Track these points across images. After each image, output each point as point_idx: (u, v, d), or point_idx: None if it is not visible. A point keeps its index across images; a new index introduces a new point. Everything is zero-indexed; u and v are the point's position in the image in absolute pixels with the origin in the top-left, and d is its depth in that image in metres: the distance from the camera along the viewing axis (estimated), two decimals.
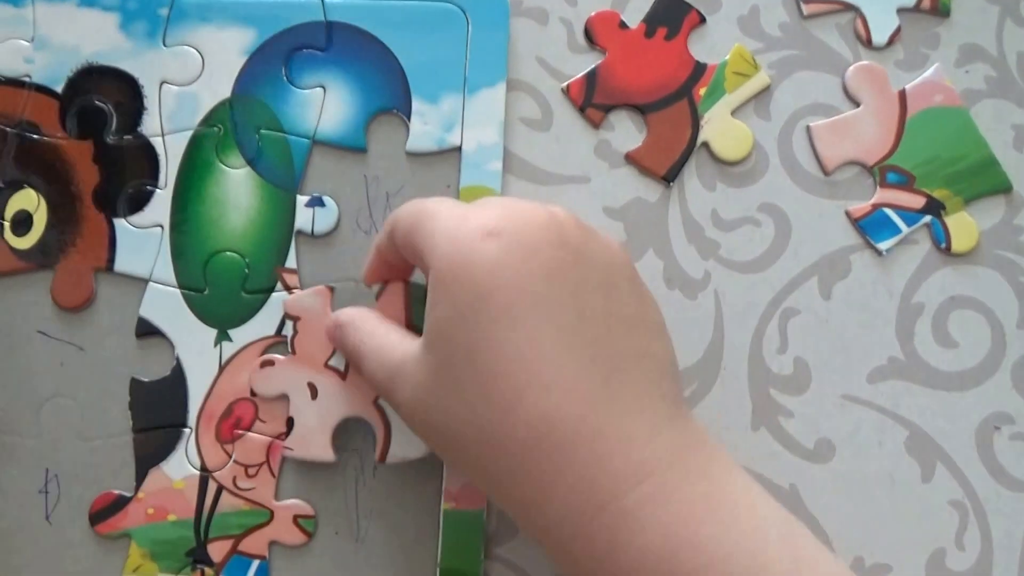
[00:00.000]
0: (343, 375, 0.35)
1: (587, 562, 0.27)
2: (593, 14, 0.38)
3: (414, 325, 0.33)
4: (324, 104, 0.37)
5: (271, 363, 0.35)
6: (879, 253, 0.37)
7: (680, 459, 0.27)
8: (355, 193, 0.36)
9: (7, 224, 0.36)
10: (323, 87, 0.37)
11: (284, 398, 0.35)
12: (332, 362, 0.35)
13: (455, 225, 0.27)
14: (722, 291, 0.36)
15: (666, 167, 0.37)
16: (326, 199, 0.36)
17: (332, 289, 0.35)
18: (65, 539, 0.35)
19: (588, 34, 0.38)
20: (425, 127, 0.36)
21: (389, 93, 0.37)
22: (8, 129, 0.36)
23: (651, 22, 0.37)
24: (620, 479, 0.26)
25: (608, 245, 0.29)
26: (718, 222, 0.37)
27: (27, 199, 0.36)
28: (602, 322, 0.27)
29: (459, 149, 0.36)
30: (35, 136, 0.36)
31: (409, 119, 0.36)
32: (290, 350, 0.35)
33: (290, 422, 0.35)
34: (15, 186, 0.36)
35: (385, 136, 0.37)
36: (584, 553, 0.26)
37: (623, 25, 0.37)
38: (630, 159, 0.37)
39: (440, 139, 0.36)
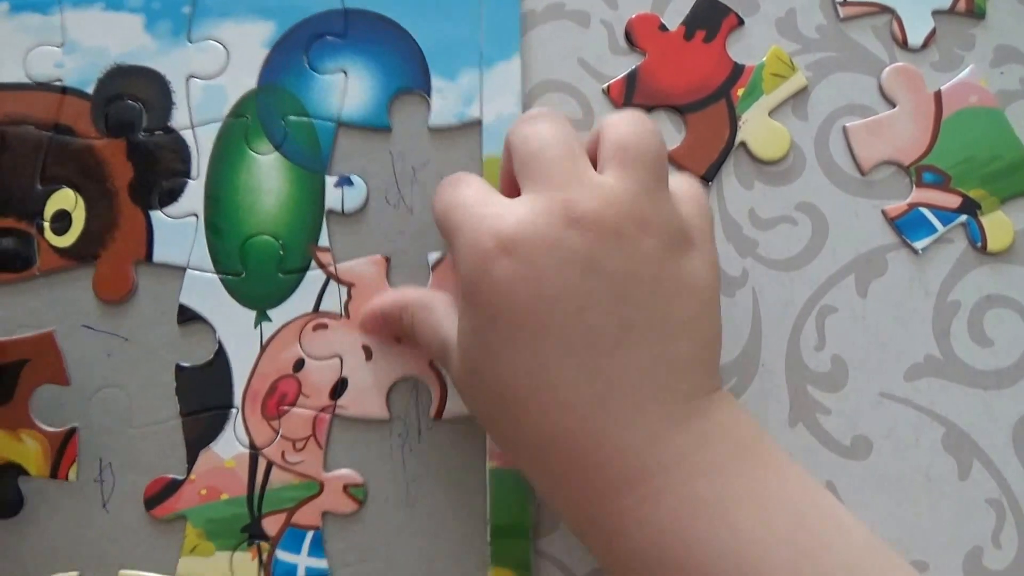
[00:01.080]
0: (398, 339, 0.36)
1: (595, 549, 0.29)
2: (633, 16, 0.38)
3: None
4: (346, 88, 0.37)
5: (324, 326, 0.36)
6: (915, 252, 0.37)
7: (685, 460, 0.27)
8: (382, 170, 0.37)
9: (47, 224, 0.36)
10: (344, 72, 0.37)
11: (336, 360, 0.36)
12: None
13: (474, 230, 0.28)
14: (760, 289, 0.37)
15: (705, 166, 0.37)
16: (354, 178, 0.37)
17: (388, 259, 0.36)
18: (123, 525, 0.35)
19: (628, 36, 0.38)
20: (445, 103, 0.37)
21: (409, 73, 0.37)
22: (44, 132, 0.37)
23: (690, 24, 0.38)
24: (618, 484, 0.27)
25: (633, 248, 0.28)
26: (756, 221, 0.37)
27: (65, 198, 0.37)
28: (609, 335, 0.27)
29: (479, 122, 0.37)
30: (69, 137, 0.37)
31: (430, 96, 0.37)
32: (343, 315, 0.36)
33: (342, 383, 0.35)
34: (53, 186, 0.36)
35: (408, 114, 0.37)
36: (591, 541, 0.29)
37: (663, 27, 0.38)
38: (670, 159, 0.37)
39: (461, 113, 0.37)
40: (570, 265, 0.27)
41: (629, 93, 0.37)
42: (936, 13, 0.38)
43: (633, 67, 0.38)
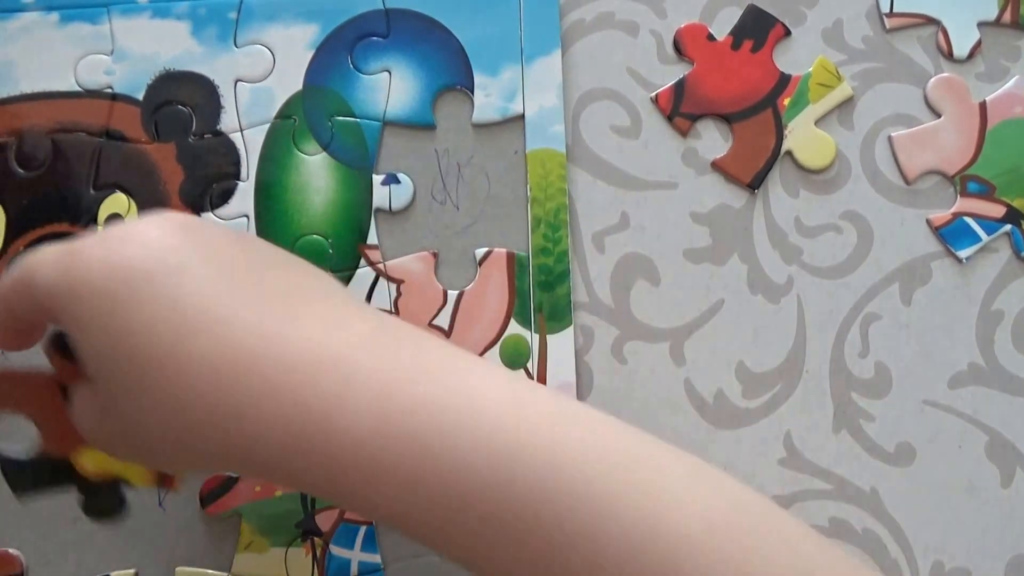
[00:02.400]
0: (447, 333, 0.36)
1: (309, 466, 0.26)
2: (682, 26, 0.38)
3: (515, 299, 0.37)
4: (391, 87, 0.38)
5: None
6: (959, 261, 0.37)
7: (373, 339, 0.27)
8: (428, 167, 0.38)
9: (101, 228, 0.37)
10: (388, 71, 0.38)
11: None
12: (436, 321, 0.36)
13: (65, 253, 0.27)
14: (805, 296, 0.37)
15: (751, 174, 0.38)
16: (401, 176, 0.38)
17: (436, 255, 0.37)
18: (178, 523, 0.36)
19: (677, 46, 0.38)
20: (488, 99, 0.38)
21: (451, 70, 0.38)
22: (95, 139, 0.37)
23: (738, 35, 0.38)
24: (313, 372, 0.25)
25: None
26: (801, 228, 0.38)
27: (118, 203, 0.37)
28: (244, 265, 0.27)
29: (522, 116, 0.38)
30: (120, 143, 0.38)
31: (472, 93, 0.38)
32: (394, 311, 0.37)
33: None
34: (106, 191, 0.37)
35: (451, 111, 0.38)
36: (302, 462, 0.26)
37: (711, 37, 0.38)
38: (716, 166, 0.38)
39: (503, 109, 0.38)
40: (182, 229, 0.27)
41: (677, 101, 0.38)
42: (982, 24, 0.39)
43: (681, 76, 0.38)
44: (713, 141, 0.38)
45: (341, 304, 0.28)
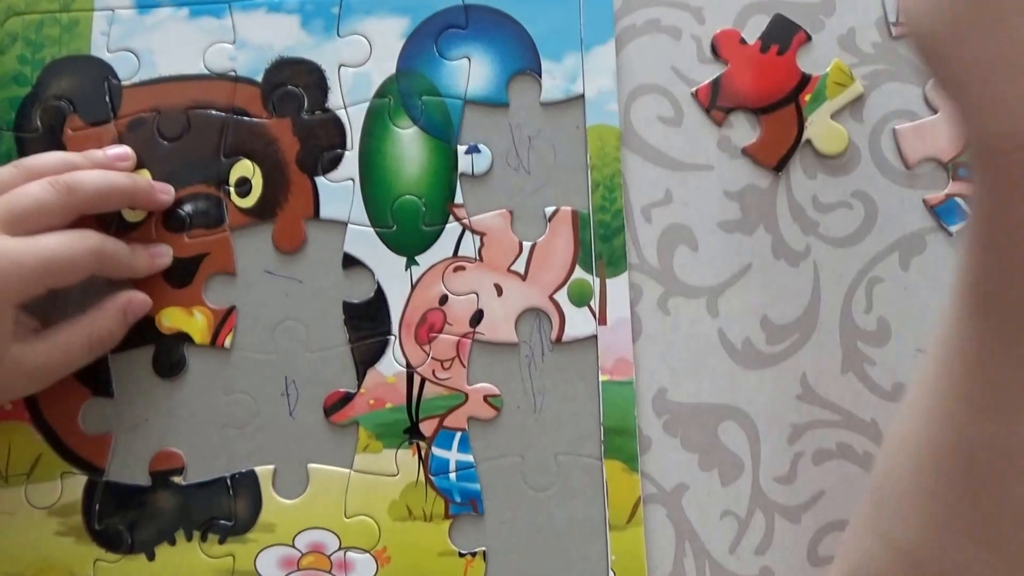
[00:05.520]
0: (523, 277, 0.43)
1: None
2: (718, 32, 0.45)
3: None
4: (470, 71, 0.44)
5: (462, 268, 0.43)
6: (950, 234, 0.44)
7: None
8: (503, 139, 0.44)
9: (232, 188, 0.43)
10: (468, 58, 0.44)
11: (473, 295, 0.43)
12: (514, 267, 0.43)
13: None
14: (819, 261, 0.43)
15: (776, 159, 0.44)
16: (481, 146, 0.44)
17: (511, 212, 0.43)
18: (307, 429, 0.42)
19: (713, 48, 0.45)
20: (554, 81, 0.44)
21: (522, 57, 0.44)
22: (223, 114, 0.44)
23: (766, 39, 0.45)
24: None
25: None
26: (817, 205, 0.44)
27: (245, 168, 0.43)
28: None
29: (582, 96, 0.44)
30: (245, 118, 0.44)
31: (540, 76, 0.44)
32: (478, 259, 0.43)
33: (479, 315, 0.42)
34: (234, 158, 0.43)
35: (522, 91, 0.44)
36: None
37: (743, 41, 0.45)
38: (746, 152, 0.44)
39: (567, 89, 0.44)
40: None
41: (713, 96, 0.45)
42: None
43: (717, 75, 0.45)
44: (744, 130, 0.44)
45: None
